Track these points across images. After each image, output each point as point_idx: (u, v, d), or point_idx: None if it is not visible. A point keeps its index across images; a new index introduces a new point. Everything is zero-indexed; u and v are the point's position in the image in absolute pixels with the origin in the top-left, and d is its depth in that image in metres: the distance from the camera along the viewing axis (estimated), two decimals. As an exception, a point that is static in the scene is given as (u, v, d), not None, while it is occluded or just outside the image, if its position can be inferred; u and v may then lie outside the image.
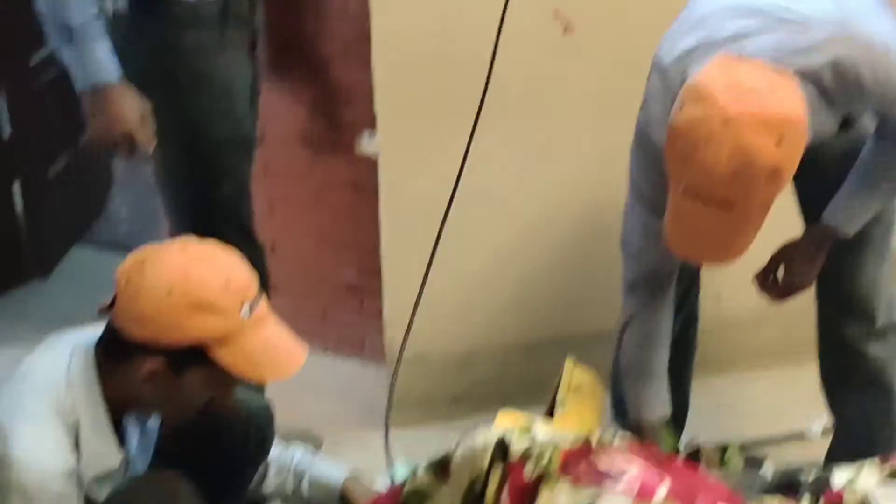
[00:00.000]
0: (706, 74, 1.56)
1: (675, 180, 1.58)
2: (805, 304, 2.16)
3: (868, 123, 1.86)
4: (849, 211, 1.89)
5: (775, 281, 1.99)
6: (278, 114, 2.63)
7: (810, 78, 1.62)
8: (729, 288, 2.73)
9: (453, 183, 2.24)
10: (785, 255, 1.97)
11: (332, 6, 2.50)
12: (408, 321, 2.25)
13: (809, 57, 1.62)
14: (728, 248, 1.63)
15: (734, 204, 1.53)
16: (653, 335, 2.11)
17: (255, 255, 2.16)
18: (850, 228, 1.89)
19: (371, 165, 2.57)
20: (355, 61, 2.52)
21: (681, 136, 1.53)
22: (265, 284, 2.23)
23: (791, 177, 1.57)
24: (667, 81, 1.73)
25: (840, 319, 2.11)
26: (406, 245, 2.50)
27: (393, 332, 2.59)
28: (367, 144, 2.58)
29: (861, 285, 2.05)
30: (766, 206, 1.58)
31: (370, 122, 2.52)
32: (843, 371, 2.18)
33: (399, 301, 2.55)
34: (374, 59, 2.43)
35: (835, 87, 1.64)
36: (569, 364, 1.98)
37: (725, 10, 1.70)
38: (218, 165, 2.17)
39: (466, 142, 2.26)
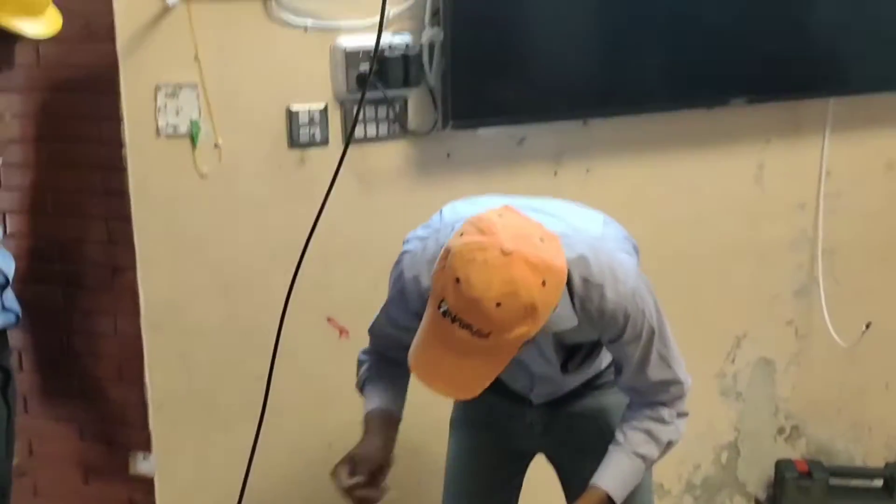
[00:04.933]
0: (488, 214, 1.66)
1: (434, 299, 1.61)
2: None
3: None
4: (623, 480, 1.92)
5: None
6: (46, 434, 2.49)
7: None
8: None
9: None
10: None
11: (100, 325, 2.45)
12: None
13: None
14: (467, 381, 1.66)
15: (490, 334, 1.57)
16: None
17: None
18: (624, 493, 1.92)
19: (148, 485, 2.46)
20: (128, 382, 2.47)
21: (457, 256, 1.58)
22: None
23: (543, 320, 1.63)
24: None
25: None
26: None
27: None
28: (143, 465, 2.48)
29: None
30: (513, 348, 1.63)
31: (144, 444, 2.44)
32: None
33: None
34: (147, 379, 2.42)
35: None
36: None
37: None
38: None
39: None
